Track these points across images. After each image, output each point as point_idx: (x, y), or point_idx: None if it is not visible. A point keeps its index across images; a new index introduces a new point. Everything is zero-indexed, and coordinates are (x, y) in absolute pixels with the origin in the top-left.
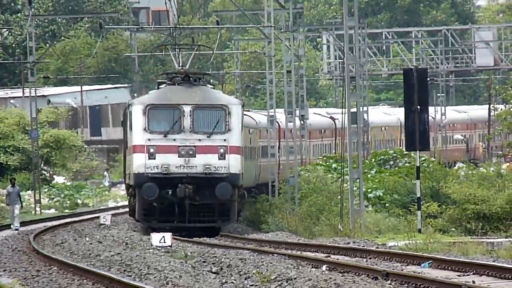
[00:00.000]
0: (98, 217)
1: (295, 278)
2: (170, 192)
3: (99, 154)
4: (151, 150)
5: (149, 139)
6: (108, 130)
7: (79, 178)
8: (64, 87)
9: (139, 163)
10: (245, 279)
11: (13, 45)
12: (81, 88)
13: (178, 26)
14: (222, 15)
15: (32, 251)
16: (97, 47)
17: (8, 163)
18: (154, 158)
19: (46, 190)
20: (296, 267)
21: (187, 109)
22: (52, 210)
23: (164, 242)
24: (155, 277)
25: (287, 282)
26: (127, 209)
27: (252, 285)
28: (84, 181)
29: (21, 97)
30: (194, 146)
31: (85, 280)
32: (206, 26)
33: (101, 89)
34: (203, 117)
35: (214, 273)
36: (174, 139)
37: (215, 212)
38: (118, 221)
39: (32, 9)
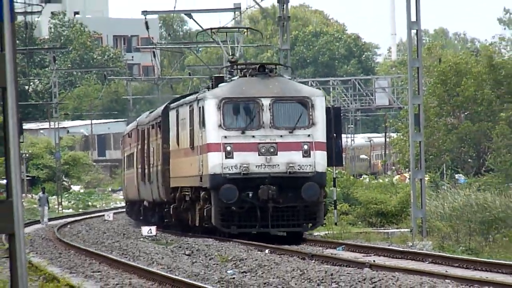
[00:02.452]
0: (103, 215)
1: (245, 259)
2: (250, 195)
3: (104, 170)
4: (228, 149)
5: (225, 137)
6: (110, 152)
7: (90, 186)
8: (79, 121)
9: (215, 163)
10: (210, 259)
11: (42, 91)
12: (91, 121)
13: (160, 77)
14: (193, 68)
15: (56, 239)
16: (102, 92)
17: (39, 176)
18: (232, 157)
19: (66, 195)
20: (246, 251)
21: (266, 102)
22: (70, 210)
23: (151, 233)
24: (144, 258)
25: (240, 261)
26: (124, 209)
27: (214, 264)
28: (93, 189)
29: (48, 128)
30: (276, 143)
31: (93, 260)
32: (181, 77)
33: (106, 122)
34: (284, 110)
35: (187, 255)
36: (253, 136)
37: (300, 215)
38: (118, 218)
39: (56, 65)
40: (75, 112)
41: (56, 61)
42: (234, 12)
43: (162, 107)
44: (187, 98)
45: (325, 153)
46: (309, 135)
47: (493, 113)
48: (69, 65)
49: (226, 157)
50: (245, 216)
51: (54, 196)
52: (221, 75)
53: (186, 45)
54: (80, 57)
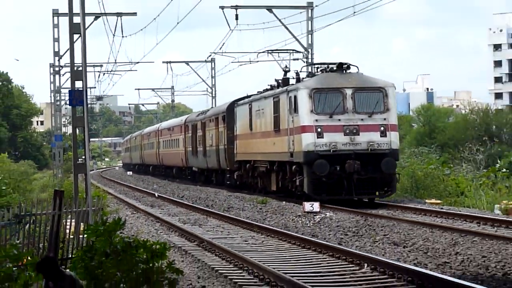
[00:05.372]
0: (115, 167)
1: (160, 182)
2: (338, 168)
3: (115, 154)
4: (319, 130)
5: (316, 120)
6: (118, 148)
7: (111, 159)
8: (106, 138)
9: (308, 141)
10: (149, 183)
11: (95, 128)
12: (111, 138)
13: (134, 124)
14: (145, 122)
15: (100, 176)
16: (114, 129)
17: (94, 155)
18: (322, 137)
19: (103, 162)
20: (161, 180)
21: (348, 91)
22: (105, 166)
23: (131, 174)
24: (128, 181)
25: (159, 184)
26: (122, 166)
27: (150, 184)
28: (112, 160)
29: (97, 140)
30: (358, 125)
31: (112, 183)
32: (141, 124)
33: (116, 138)
34: (363, 98)
35: (141, 181)
36: (339, 119)
37: (378, 185)
38: (120, 169)
39: (100, 119)
40: (105, 135)
41: (100, 118)
42: (157, 105)
43: (225, 106)
44: (267, 93)
45: (397, 133)
46: (384, 119)
47: None
48: (104, 120)
49: (317, 137)
50: (333, 186)
51: (99, 162)
52: (287, 77)
53: (143, 114)
54: (107, 118)
